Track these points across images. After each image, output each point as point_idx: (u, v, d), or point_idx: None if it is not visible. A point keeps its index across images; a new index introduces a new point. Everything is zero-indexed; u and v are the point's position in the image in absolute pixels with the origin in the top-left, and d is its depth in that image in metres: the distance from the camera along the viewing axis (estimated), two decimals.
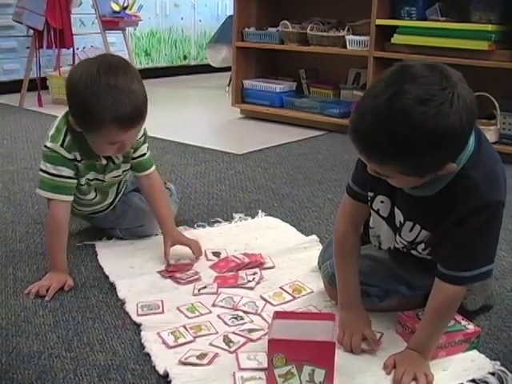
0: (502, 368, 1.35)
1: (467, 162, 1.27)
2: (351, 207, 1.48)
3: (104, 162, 1.82)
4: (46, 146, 1.74)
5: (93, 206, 1.95)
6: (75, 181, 1.78)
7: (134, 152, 1.88)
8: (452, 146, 1.19)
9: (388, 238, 1.49)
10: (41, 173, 1.76)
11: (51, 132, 1.75)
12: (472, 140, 1.28)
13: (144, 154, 1.91)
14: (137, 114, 1.63)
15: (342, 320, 1.47)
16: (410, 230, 1.40)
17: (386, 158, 1.20)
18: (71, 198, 1.78)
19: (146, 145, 1.91)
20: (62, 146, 1.73)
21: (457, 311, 1.45)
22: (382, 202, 1.42)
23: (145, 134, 1.88)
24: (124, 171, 1.92)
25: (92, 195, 1.90)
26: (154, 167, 1.95)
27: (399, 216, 1.41)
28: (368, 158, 1.23)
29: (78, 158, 1.76)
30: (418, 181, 1.27)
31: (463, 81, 1.18)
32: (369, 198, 1.44)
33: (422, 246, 1.42)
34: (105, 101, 1.57)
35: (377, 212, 1.45)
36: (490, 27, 3.06)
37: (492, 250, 1.34)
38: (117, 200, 2.01)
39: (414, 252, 1.47)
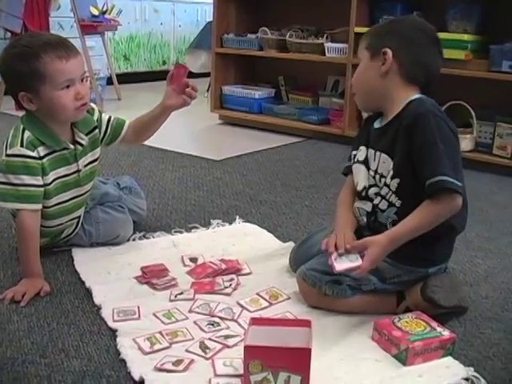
0: (476, 374, 1.37)
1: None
2: (348, 181, 1.78)
3: (71, 146, 1.81)
4: (6, 155, 1.72)
5: (61, 216, 1.87)
6: (41, 189, 1.75)
7: (100, 128, 1.94)
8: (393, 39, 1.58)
9: (363, 177, 1.67)
10: (1, 186, 1.72)
11: (8, 141, 1.74)
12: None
13: (110, 118, 1.98)
14: (64, 40, 1.73)
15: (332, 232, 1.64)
16: (374, 159, 1.63)
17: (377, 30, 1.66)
18: (39, 206, 1.75)
19: (105, 114, 1.98)
20: (22, 146, 1.71)
21: (432, 318, 1.48)
22: (360, 150, 1.70)
23: (99, 112, 1.95)
24: (96, 160, 1.92)
25: (65, 196, 1.83)
26: (128, 120, 2.02)
27: (369, 152, 1.66)
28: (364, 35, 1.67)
29: (42, 153, 1.74)
30: (371, 75, 1.61)
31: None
32: (353, 157, 1.72)
33: (391, 173, 1.57)
34: (36, 45, 1.67)
35: (357, 161, 1.69)
36: (466, 37, 3.11)
37: (456, 162, 1.50)
38: (81, 219, 1.97)
39: (385, 190, 1.59)
